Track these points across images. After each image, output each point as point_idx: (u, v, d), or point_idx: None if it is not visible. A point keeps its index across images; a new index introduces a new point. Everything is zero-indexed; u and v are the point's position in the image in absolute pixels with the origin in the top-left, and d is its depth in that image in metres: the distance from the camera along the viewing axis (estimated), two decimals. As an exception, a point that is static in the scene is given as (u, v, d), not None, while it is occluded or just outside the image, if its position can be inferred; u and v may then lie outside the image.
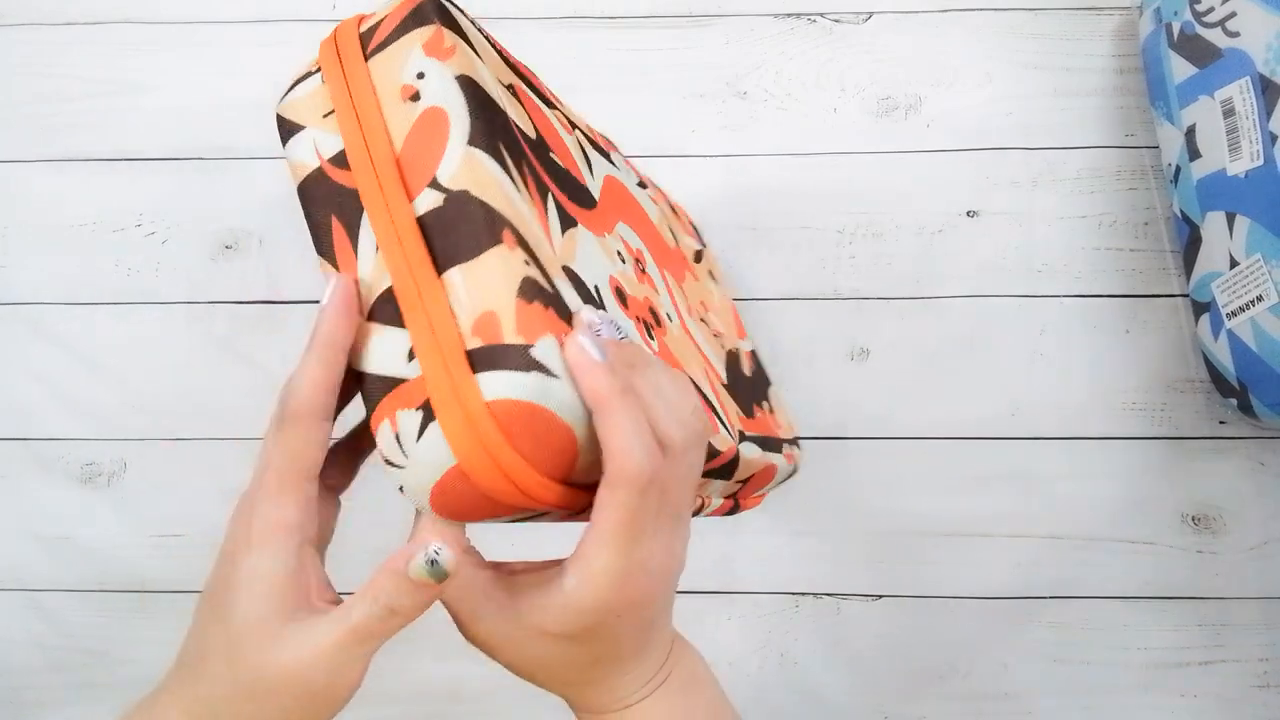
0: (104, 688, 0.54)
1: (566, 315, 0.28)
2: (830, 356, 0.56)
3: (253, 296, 0.58)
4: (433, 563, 0.28)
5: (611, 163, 0.42)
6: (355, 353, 0.29)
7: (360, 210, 0.30)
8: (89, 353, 0.58)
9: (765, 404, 0.45)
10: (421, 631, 0.55)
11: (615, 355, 0.27)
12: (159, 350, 0.58)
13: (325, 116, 0.32)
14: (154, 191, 0.60)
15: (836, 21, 0.62)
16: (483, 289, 0.28)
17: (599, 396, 0.26)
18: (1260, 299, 0.47)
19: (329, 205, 0.31)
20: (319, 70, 0.33)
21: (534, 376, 0.27)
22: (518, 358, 0.27)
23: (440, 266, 0.29)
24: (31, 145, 0.61)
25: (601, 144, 0.42)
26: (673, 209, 0.49)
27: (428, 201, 0.30)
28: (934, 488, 0.55)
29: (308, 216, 0.31)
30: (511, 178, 0.30)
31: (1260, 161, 0.47)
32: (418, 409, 0.27)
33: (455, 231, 0.29)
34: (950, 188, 0.59)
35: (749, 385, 0.44)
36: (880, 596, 0.54)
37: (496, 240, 0.29)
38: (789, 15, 0.62)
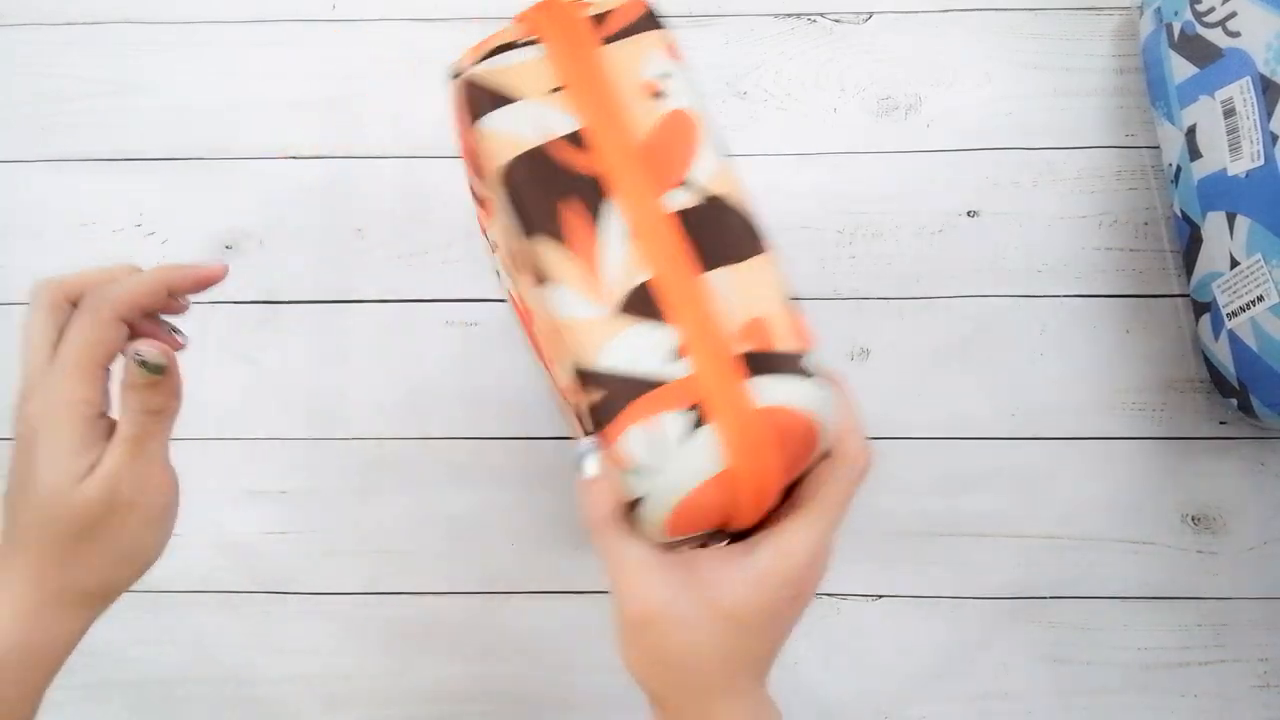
0: (105, 688, 0.54)
1: None
2: (830, 356, 0.56)
3: (252, 296, 0.58)
4: (142, 363, 0.31)
5: None
6: (589, 346, 0.27)
7: (602, 196, 0.29)
8: (89, 353, 0.58)
9: None
10: (423, 632, 0.55)
11: None
12: (159, 350, 0.58)
13: (553, 92, 0.31)
14: (154, 191, 0.60)
15: (836, 21, 0.62)
16: (752, 293, 0.28)
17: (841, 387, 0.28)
18: (1260, 299, 0.47)
19: (558, 186, 0.29)
20: (534, 41, 0.31)
21: (810, 385, 0.27)
22: (792, 365, 0.27)
23: (706, 266, 0.28)
24: (31, 145, 0.61)
25: None
26: None
27: (680, 200, 0.30)
28: (934, 488, 0.55)
29: (517, 193, 0.29)
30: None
31: (1260, 161, 0.47)
32: (686, 410, 0.27)
33: (718, 234, 0.29)
34: (950, 188, 0.59)
35: None
36: (880, 596, 0.54)
37: (760, 248, 0.29)
38: (789, 15, 0.62)
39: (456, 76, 0.32)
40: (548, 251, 0.29)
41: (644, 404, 0.27)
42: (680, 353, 0.27)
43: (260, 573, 0.54)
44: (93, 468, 0.31)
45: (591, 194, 0.29)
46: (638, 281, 0.28)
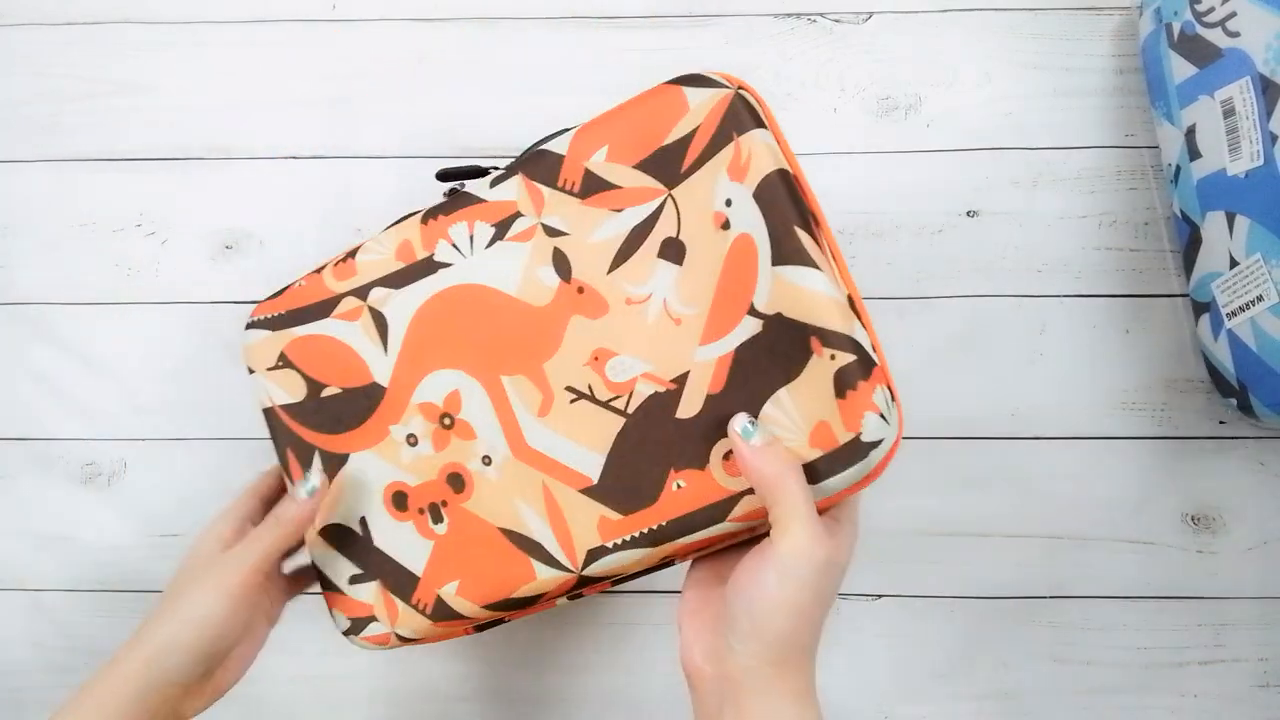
0: (104, 688, 0.54)
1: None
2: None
3: (253, 296, 0.58)
4: (313, 488, 0.41)
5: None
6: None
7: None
8: (89, 353, 0.58)
9: (711, 457, 0.36)
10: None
11: None
12: (159, 350, 0.58)
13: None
14: (154, 191, 0.60)
15: (836, 21, 0.62)
16: (807, 404, 0.33)
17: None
18: (1260, 299, 0.47)
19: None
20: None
21: (866, 456, 0.33)
22: (853, 453, 0.33)
23: (762, 397, 0.34)
24: (31, 145, 0.61)
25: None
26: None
27: (747, 330, 0.35)
28: (934, 488, 0.55)
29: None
30: (816, 263, 0.34)
31: (1260, 161, 0.47)
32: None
33: (774, 355, 0.34)
34: (950, 188, 0.59)
35: (666, 444, 0.36)
36: (880, 596, 0.54)
37: (808, 353, 0.33)
38: (789, 15, 0.62)
39: None
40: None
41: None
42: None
43: (260, 573, 0.54)
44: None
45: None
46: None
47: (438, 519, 0.40)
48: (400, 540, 0.40)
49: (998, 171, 0.59)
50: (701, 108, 0.36)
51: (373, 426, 0.41)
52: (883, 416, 0.32)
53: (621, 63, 0.61)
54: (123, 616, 0.55)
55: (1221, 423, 0.55)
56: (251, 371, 0.43)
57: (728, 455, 0.35)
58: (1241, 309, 0.49)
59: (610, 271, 0.37)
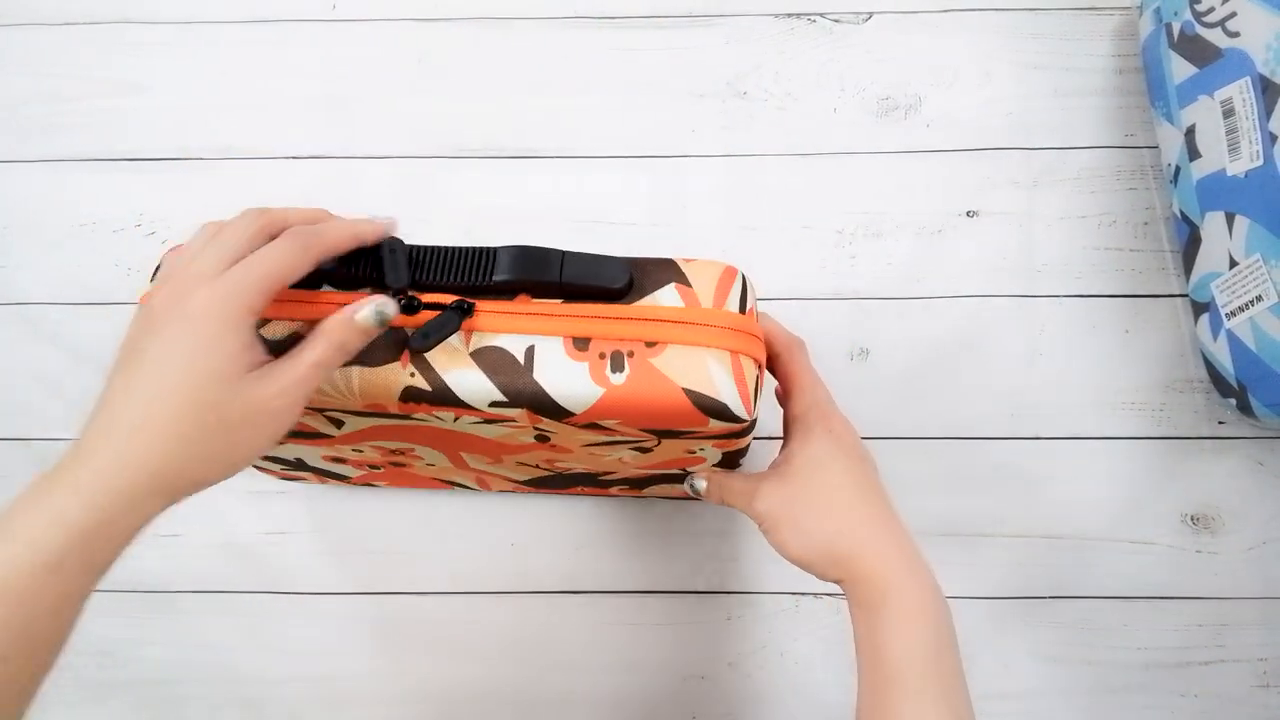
0: (105, 688, 0.54)
1: None
2: (830, 356, 0.56)
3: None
4: (381, 313, 0.34)
5: None
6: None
7: None
8: (89, 353, 0.58)
9: None
10: (423, 632, 0.55)
11: None
12: (159, 350, 0.58)
13: None
14: (154, 191, 0.60)
15: (836, 21, 0.62)
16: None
17: None
18: (1259, 299, 0.47)
19: None
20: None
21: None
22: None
23: None
24: (31, 145, 0.61)
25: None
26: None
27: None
28: (934, 488, 0.55)
29: None
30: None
31: (1260, 161, 0.47)
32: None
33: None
34: (950, 188, 0.59)
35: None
36: (880, 596, 0.54)
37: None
38: (789, 15, 0.62)
39: None
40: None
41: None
42: None
43: (260, 573, 0.54)
44: (260, 369, 0.32)
45: None
46: None
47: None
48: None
49: (998, 171, 0.59)
50: (719, 428, 0.38)
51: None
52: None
53: (621, 63, 0.61)
54: (123, 616, 0.55)
55: (1221, 423, 0.55)
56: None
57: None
58: (1241, 309, 0.49)
59: (585, 445, 0.42)
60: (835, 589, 0.54)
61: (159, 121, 0.61)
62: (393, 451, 0.46)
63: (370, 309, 0.34)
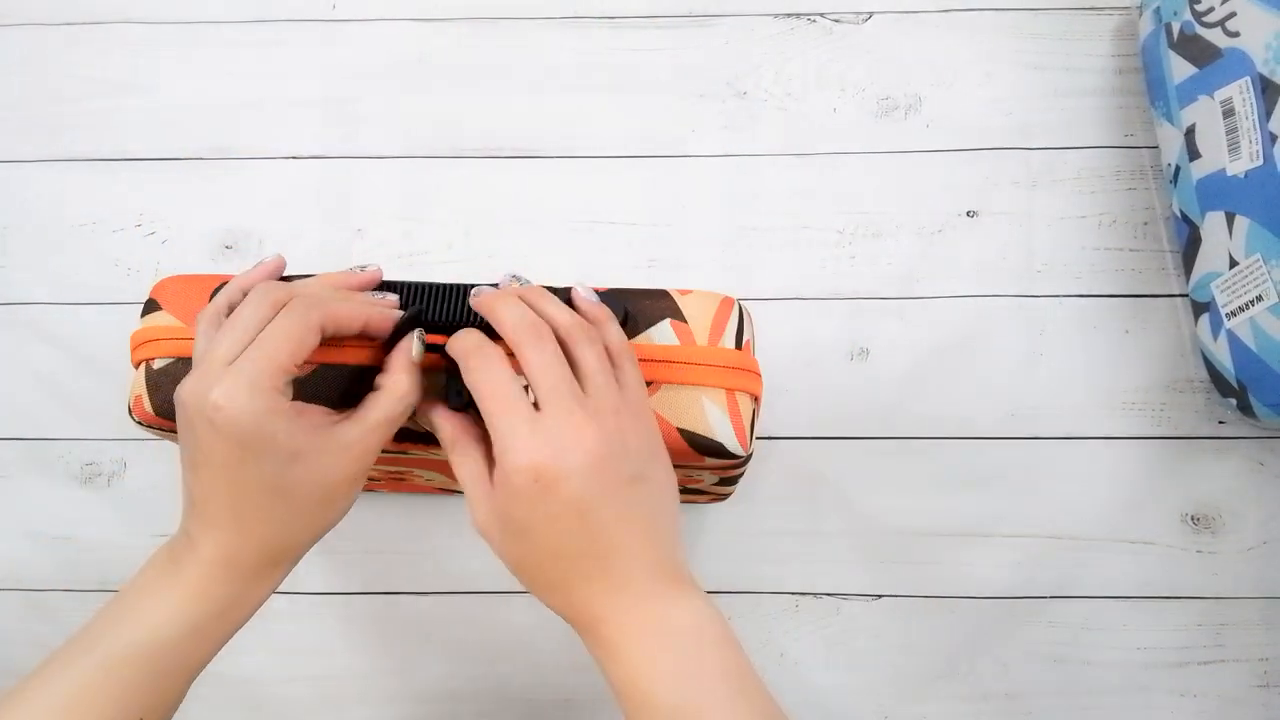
0: (104, 688, 0.54)
1: None
2: (830, 356, 0.56)
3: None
4: (423, 341, 0.35)
5: None
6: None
7: None
8: (89, 353, 0.58)
9: None
10: (423, 632, 0.55)
11: None
12: (159, 350, 0.58)
13: None
14: (154, 191, 0.60)
15: (836, 21, 0.62)
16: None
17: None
18: (1260, 299, 0.47)
19: None
20: None
21: None
22: None
23: None
24: (31, 145, 0.61)
25: None
26: None
27: None
28: (934, 488, 0.55)
29: None
30: None
31: (1260, 161, 0.47)
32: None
33: None
34: (950, 188, 0.59)
35: None
36: (880, 596, 0.54)
37: None
38: (789, 15, 0.62)
39: None
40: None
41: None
42: None
43: (260, 573, 0.54)
44: (326, 430, 0.33)
45: None
46: None
47: None
48: None
49: (998, 171, 0.59)
50: (716, 463, 0.38)
51: None
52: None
53: (621, 62, 0.61)
54: (123, 616, 0.55)
55: (1221, 423, 0.55)
56: None
57: None
58: (1241, 309, 0.49)
59: None
60: (835, 590, 0.54)
61: (159, 121, 0.61)
62: (391, 471, 0.46)
63: (417, 343, 0.35)
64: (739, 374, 0.37)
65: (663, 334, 0.37)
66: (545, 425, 0.31)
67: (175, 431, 0.34)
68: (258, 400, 0.31)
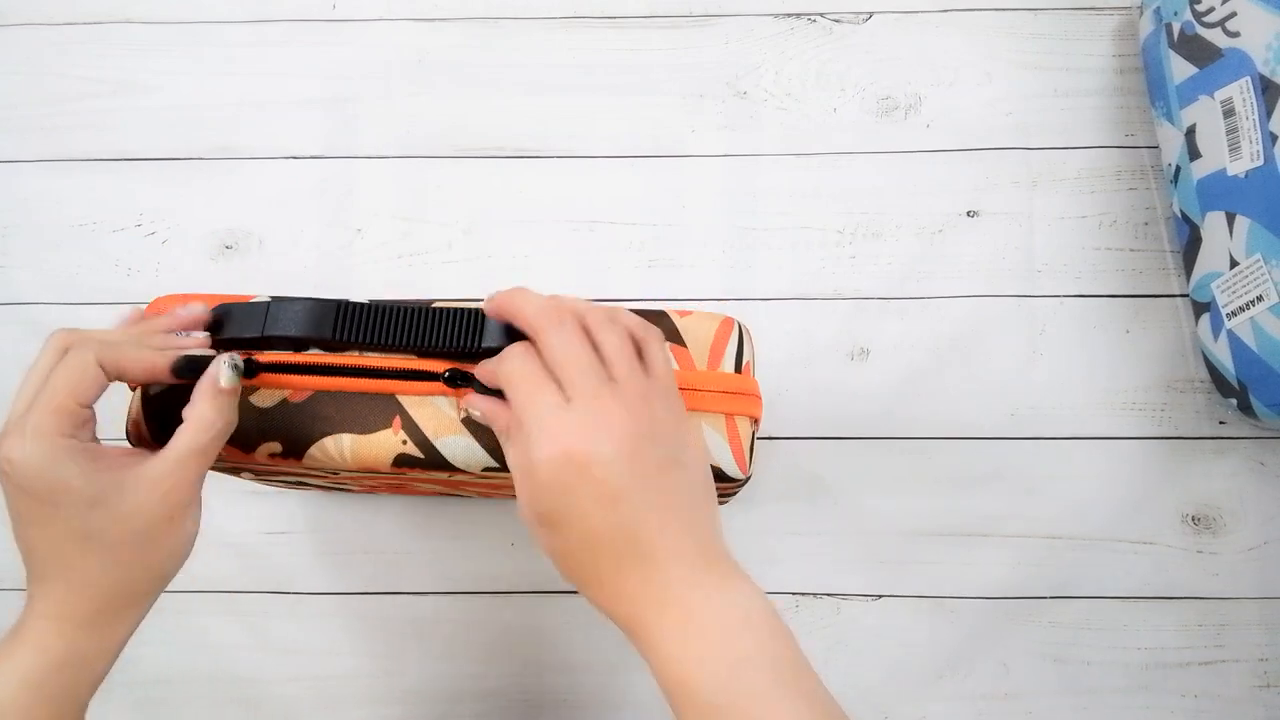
0: (105, 688, 0.53)
1: None
2: (830, 356, 0.56)
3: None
4: (234, 366, 0.34)
5: None
6: None
7: None
8: (89, 353, 0.58)
9: None
10: (423, 632, 0.55)
11: None
12: (159, 350, 0.58)
13: None
14: (154, 191, 0.60)
15: (836, 21, 0.62)
16: None
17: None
18: (1260, 299, 0.47)
19: None
20: None
21: None
22: None
23: None
24: (31, 145, 0.61)
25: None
26: None
27: None
28: (934, 488, 0.55)
29: None
30: None
31: (1260, 161, 0.47)
32: None
33: None
34: (950, 188, 0.59)
35: None
36: (880, 596, 0.54)
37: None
38: (789, 15, 0.62)
39: None
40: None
41: None
42: None
43: (260, 573, 0.54)
44: (133, 470, 0.32)
45: None
46: None
47: None
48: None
49: (998, 171, 0.59)
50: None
51: None
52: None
53: (621, 63, 0.61)
54: (123, 616, 0.55)
55: (1221, 423, 0.55)
56: None
57: None
58: (1241, 309, 0.49)
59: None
60: (835, 590, 0.54)
61: (159, 121, 0.61)
62: (391, 484, 0.46)
63: (226, 368, 0.34)
64: (738, 398, 0.36)
65: None
66: (573, 411, 0.30)
67: None
68: (43, 447, 0.30)
